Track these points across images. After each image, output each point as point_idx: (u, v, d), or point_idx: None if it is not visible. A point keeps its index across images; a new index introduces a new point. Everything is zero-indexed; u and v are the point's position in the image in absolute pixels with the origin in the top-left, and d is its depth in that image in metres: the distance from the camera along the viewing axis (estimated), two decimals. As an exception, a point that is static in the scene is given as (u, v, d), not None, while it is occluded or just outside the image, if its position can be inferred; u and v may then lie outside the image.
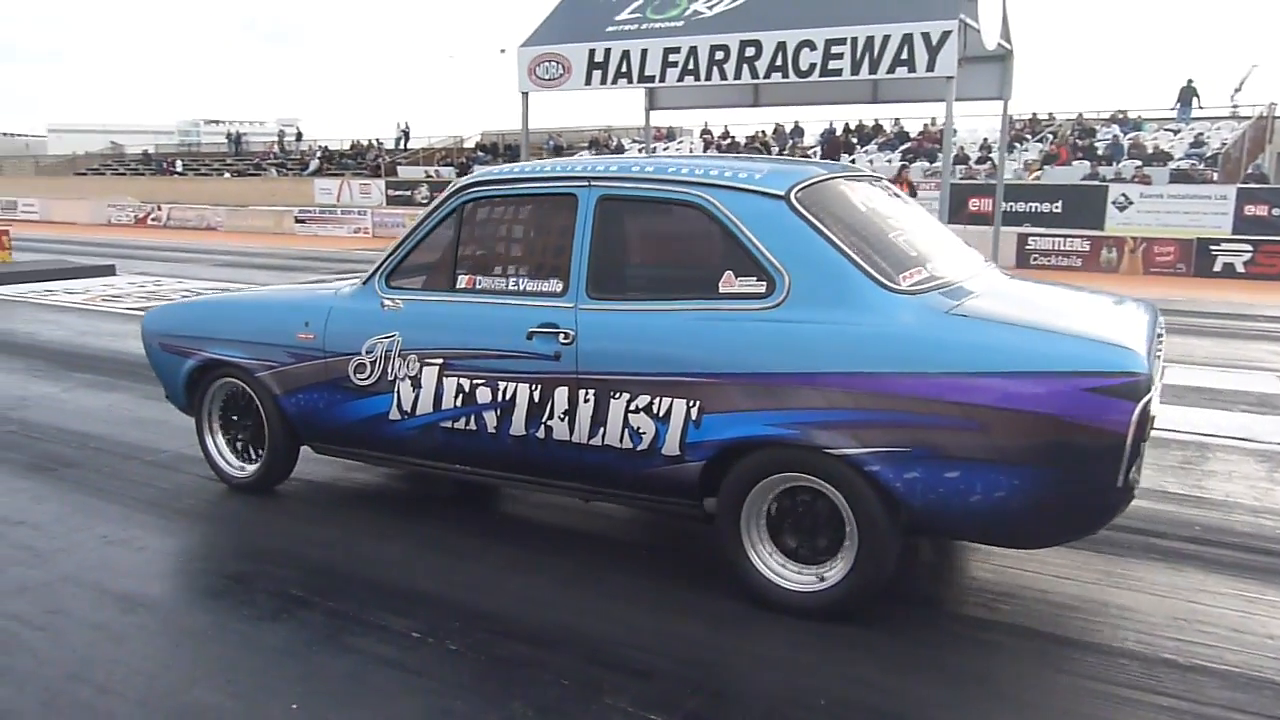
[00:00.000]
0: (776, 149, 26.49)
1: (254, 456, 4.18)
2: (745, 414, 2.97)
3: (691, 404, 3.05)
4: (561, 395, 3.27)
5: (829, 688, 2.63)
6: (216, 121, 62.07)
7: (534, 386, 3.31)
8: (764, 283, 3.01)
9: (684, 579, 3.33)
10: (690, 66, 6.23)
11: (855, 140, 27.13)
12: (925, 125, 26.20)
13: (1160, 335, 3.22)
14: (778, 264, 2.99)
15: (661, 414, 3.10)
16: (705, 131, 29.79)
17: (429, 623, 3.00)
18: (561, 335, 3.25)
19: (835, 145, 26.35)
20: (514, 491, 4.17)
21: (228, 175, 36.88)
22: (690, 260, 3.32)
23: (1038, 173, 19.75)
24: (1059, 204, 17.43)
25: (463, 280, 3.56)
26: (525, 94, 6.90)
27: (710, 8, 6.35)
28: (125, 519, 3.90)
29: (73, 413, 5.60)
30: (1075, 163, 19.89)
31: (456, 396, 3.48)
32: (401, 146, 39.30)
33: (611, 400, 3.18)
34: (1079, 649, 2.85)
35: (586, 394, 3.22)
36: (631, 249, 3.41)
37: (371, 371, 3.66)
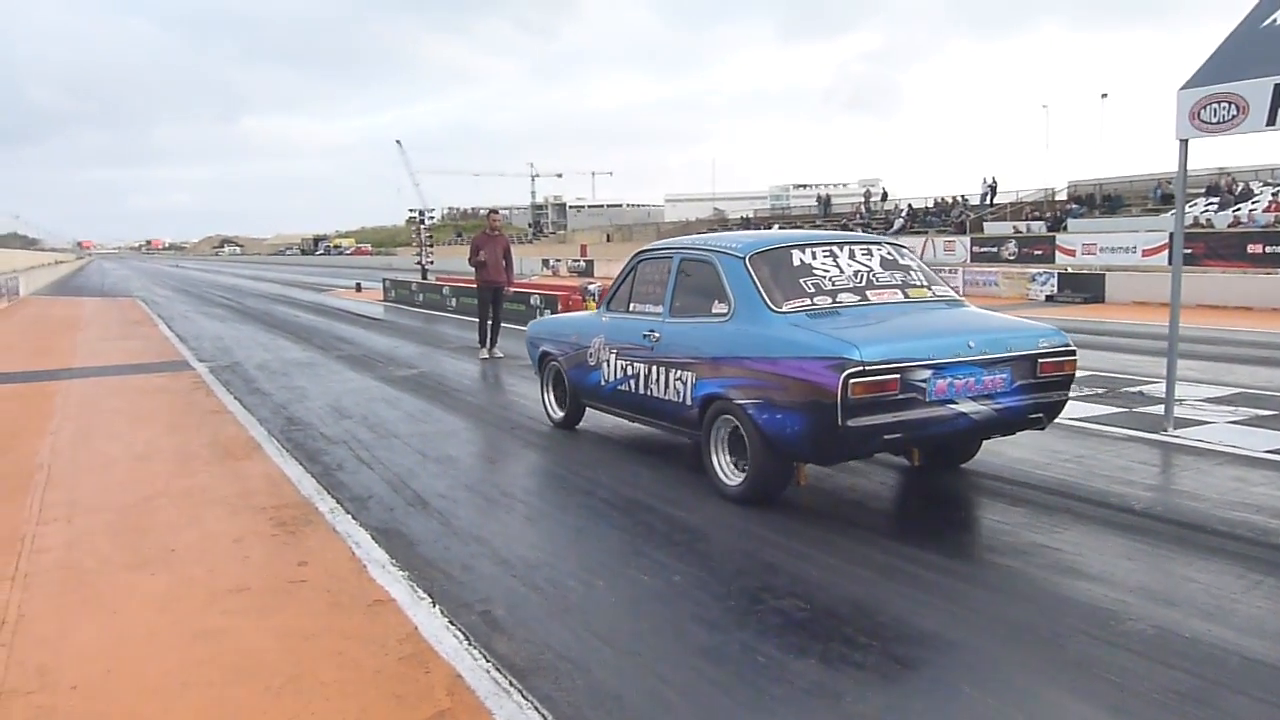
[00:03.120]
0: None
1: (565, 406, 7.67)
2: (709, 380, 5.51)
3: (693, 374, 5.67)
4: (654, 370, 6.09)
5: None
6: (804, 185, 71.29)
7: (645, 365, 6.20)
8: (726, 306, 5.53)
9: None
10: None
11: None
12: None
13: (993, 350, 4.97)
14: (732, 296, 5.49)
15: (685, 380, 5.76)
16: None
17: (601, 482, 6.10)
18: (655, 335, 6.09)
19: None
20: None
21: (819, 235, 42.56)
22: (705, 294, 5.83)
23: None
24: None
25: (633, 306, 6.58)
26: (1184, 141, 6.69)
27: None
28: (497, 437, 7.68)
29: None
30: None
31: (622, 370, 6.51)
32: (988, 202, 40.93)
33: (669, 372, 5.94)
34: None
35: (661, 369, 6.01)
36: (688, 288, 6.04)
37: (595, 356, 6.86)
